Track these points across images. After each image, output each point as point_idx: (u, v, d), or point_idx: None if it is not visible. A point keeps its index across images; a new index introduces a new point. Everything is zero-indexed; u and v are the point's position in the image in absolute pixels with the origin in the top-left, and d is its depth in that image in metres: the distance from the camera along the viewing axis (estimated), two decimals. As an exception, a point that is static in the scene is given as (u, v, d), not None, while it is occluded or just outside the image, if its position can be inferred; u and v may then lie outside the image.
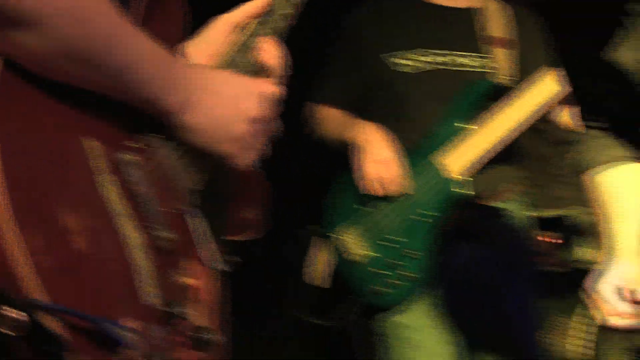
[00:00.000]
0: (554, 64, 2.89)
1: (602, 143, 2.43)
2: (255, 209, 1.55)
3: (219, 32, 1.54)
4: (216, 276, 1.40)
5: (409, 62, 2.90)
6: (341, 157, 2.90)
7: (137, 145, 1.30)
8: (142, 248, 1.22)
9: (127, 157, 1.27)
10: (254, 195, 1.55)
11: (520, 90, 2.84)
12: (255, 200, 1.56)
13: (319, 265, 2.87)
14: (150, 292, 1.22)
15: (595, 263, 4.82)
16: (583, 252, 4.21)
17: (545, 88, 2.83)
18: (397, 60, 2.90)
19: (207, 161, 1.40)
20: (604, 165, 2.43)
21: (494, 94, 2.86)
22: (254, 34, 1.51)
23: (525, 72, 2.90)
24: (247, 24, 1.53)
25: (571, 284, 4.18)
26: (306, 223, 2.97)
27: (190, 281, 1.32)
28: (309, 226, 2.95)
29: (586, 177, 2.48)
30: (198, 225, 1.39)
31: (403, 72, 2.89)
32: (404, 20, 2.95)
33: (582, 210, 4.46)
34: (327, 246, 2.86)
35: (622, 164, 2.42)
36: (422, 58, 2.89)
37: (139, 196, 1.26)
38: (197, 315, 1.31)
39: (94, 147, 1.21)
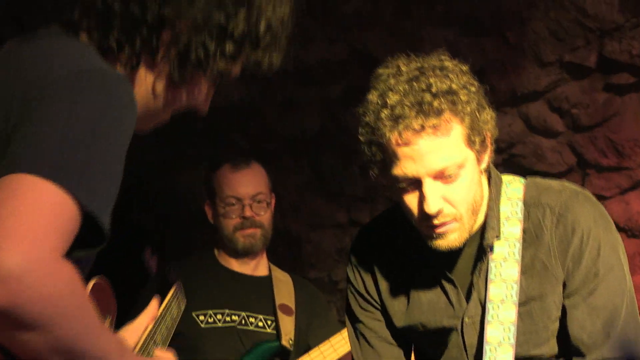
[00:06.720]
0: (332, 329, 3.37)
1: None
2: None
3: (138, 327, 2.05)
4: None
5: (208, 319, 3.33)
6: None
7: None
8: None
9: None
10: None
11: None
12: None
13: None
14: None
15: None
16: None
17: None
18: (199, 317, 3.33)
19: None
20: None
21: (278, 354, 3.33)
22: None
23: (301, 336, 3.40)
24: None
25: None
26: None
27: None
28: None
29: None
30: None
31: (203, 326, 3.32)
32: (206, 283, 3.40)
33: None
34: None
35: None
36: (219, 316, 3.34)
37: None
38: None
39: None
